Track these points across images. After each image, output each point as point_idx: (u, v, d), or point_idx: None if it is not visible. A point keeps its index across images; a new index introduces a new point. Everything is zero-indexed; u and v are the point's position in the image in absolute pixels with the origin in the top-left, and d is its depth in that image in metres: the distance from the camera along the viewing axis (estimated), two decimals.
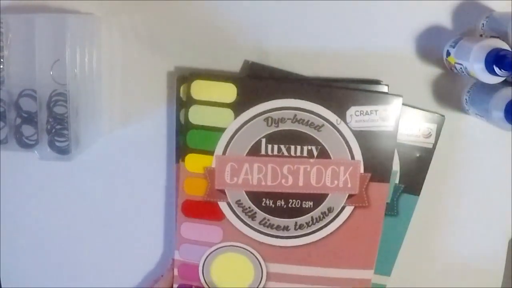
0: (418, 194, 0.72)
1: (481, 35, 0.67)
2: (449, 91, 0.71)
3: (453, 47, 0.66)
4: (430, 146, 0.71)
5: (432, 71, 0.71)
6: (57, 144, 0.66)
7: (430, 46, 0.70)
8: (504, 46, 0.61)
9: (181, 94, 0.70)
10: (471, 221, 0.75)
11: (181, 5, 0.70)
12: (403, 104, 0.69)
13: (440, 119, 0.71)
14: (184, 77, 0.69)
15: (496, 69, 0.60)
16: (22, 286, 0.78)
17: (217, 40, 0.71)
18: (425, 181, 0.72)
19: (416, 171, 0.72)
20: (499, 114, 0.62)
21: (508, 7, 0.68)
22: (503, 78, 0.61)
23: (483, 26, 0.67)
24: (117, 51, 0.71)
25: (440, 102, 0.72)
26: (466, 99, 0.70)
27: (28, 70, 0.65)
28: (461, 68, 0.65)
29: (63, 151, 0.66)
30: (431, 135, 0.71)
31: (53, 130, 0.66)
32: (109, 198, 0.75)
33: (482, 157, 0.73)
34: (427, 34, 0.70)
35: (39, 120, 0.65)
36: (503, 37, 0.63)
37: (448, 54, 0.67)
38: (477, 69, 0.62)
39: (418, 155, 0.71)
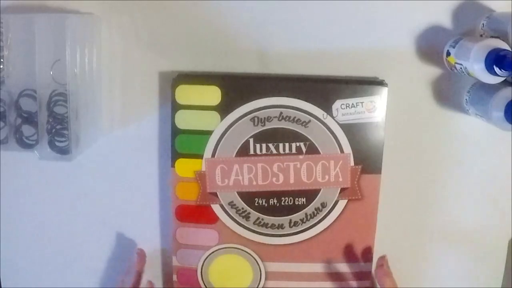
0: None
1: (481, 35, 0.67)
2: (449, 91, 0.71)
3: (453, 47, 0.66)
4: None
5: (432, 71, 0.71)
6: (57, 144, 0.66)
7: (430, 46, 0.70)
8: (504, 46, 0.61)
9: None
10: (471, 221, 0.75)
11: (181, 5, 0.70)
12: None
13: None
14: (179, 79, 0.69)
15: (496, 69, 0.60)
16: (22, 286, 0.78)
17: (216, 41, 0.71)
18: (423, 183, 0.72)
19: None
20: (499, 114, 0.62)
21: (508, 7, 0.68)
22: (503, 78, 0.61)
23: (483, 26, 0.67)
24: (117, 51, 0.71)
25: (440, 102, 0.72)
26: (466, 99, 0.70)
27: (28, 70, 0.65)
28: (461, 68, 0.65)
29: (63, 151, 0.66)
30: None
31: (53, 130, 0.66)
32: (109, 198, 0.75)
33: (482, 157, 0.73)
34: (427, 34, 0.70)
35: (39, 120, 0.65)
36: (503, 37, 0.62)
37: (448, 54, 0.67)
38: (477, 69, 0.62)
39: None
